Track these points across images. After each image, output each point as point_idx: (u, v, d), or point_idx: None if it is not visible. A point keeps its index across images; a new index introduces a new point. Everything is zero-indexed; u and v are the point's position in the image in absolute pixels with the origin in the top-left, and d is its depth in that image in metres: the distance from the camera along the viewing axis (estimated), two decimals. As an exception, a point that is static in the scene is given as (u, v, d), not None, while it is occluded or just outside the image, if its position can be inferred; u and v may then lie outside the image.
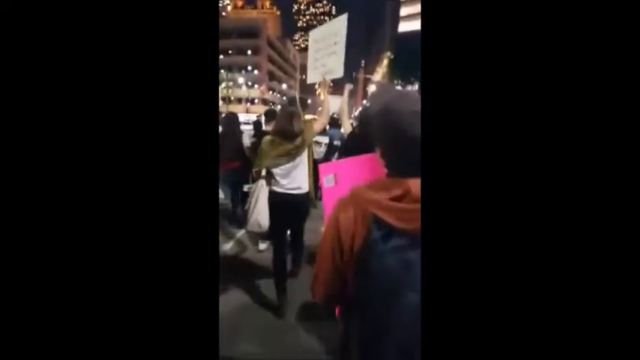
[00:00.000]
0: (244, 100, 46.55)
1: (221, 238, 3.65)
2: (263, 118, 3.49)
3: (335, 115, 4.26)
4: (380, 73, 50.98)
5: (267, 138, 2.23)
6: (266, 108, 3.69)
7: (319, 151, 3.80)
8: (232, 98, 46.90)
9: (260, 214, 2.18)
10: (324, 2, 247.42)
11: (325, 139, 3.96)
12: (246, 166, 3.29)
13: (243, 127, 4.45)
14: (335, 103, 3.32)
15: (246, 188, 3.41)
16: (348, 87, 2.54)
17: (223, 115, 3.78)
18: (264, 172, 2.22)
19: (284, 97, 57.08)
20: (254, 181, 2.33)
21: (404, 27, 46.71)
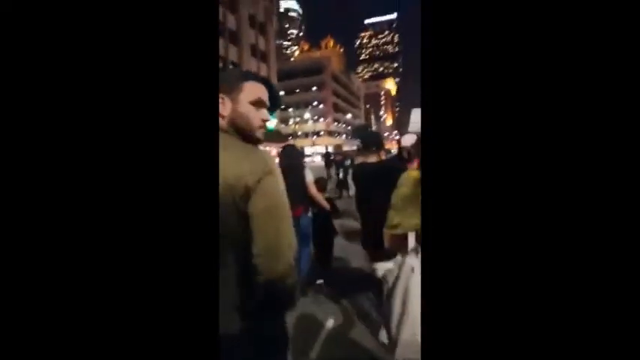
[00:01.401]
0: (310, 134, 47.82)
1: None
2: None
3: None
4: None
5: (413, 174, 1.11)
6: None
7: None
8: (300, 133, 48.79)
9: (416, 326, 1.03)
10: (386, 33, 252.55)
11: None
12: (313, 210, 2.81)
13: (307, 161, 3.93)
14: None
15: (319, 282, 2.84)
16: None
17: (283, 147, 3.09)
18: (411, 242, 1.05)
19: (349, 127, 57.26)
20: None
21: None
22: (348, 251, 3.68)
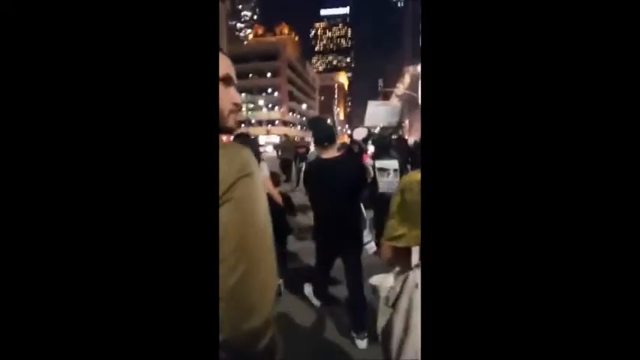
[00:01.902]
0: (265, 122, 46.09)
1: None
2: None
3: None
4: (403, 86, 49.55)
5: (417, 177, 0.95)
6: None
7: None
8: (253, 121, 46.67)
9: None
10: (340, 26, 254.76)
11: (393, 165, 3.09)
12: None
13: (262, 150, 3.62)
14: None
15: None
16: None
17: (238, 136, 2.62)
18: (415, 256, 0.91)
19: (303, 118, 56.57)
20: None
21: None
22: (303, 248, 3.47)
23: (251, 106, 42.90)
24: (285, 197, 2.86)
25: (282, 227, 2.65)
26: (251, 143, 2.58)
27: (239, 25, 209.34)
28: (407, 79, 49.68)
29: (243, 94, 43.17)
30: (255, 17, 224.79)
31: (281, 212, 2.69)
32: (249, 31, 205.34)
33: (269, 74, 47.56)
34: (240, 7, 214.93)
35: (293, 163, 9.95)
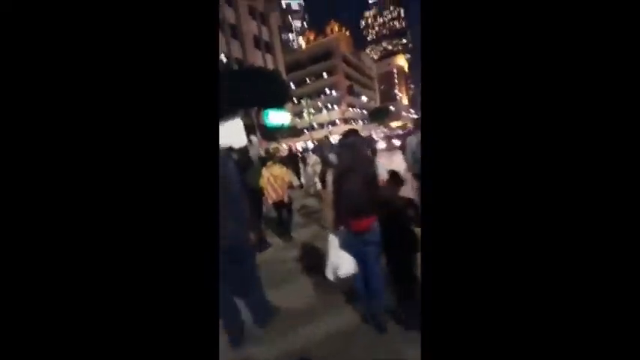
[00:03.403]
0: (326, 124, 45.89)
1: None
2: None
3: None
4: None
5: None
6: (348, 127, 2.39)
7: None
8: (315, 125, 46.96)
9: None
10: (391, 9, 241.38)
11: None
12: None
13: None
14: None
15: None
16: None
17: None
18: None
19: (364, 111, 54.57)
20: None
21: None
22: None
23: (312, 111, 43.25)
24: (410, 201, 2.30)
25: (409, 238, 2.14)
26: (361, 143, 2.11)
27: (291, 36, 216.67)
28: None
29: (302, 100, 43.93)
30: (305, 24, 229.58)
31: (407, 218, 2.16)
32: (301, 39, 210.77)
33: (325, 75, 47.23)
34: (290, 18, 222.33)
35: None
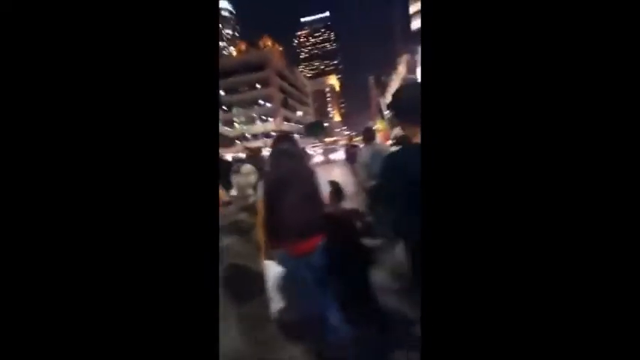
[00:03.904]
0: (261, 135, 43.74)
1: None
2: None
3: None
4: (398, 74, 47.34)
5: None
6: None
7: None
8: (249, 136, 44.46)
9: None
10: (322, 31, 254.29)
11: None
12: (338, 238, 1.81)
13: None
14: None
15: None
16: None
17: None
18: None
19: (300, 125, 54.32)
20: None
21: (417, 24, 42.88)
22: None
23: (243, 119, 40.68)
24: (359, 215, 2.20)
25: (356, 256, 1.94)
26: (296, 150, 1.81)
27: (222, 44, 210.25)
28: (402, 68, 47.54)
29: (234, 109, 41.06)
30: (236, 34, 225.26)
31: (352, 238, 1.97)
32: (232, 48, 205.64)
33: (258, 85, 45.39)
34: (220, 26, 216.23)
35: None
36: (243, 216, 5.45)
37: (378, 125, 4.70)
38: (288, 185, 1.60)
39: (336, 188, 2.02)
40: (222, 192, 3.84)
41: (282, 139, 1.81)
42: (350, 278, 1.97)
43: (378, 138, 3.96)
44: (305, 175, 1.69)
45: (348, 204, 2.32)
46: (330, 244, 1.72)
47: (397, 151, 1.19)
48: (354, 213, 2.11)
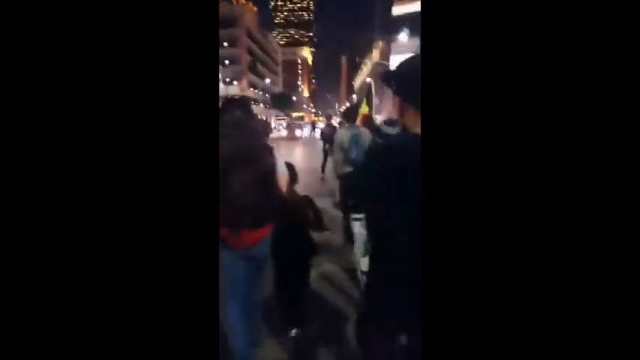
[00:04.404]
0: (221, 99, 40.89)
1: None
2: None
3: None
4: (372, 59, 47.06)
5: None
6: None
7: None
8: (209, 97, 41.08)
9: None
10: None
11: None
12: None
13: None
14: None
15: None
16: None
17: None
18: None
19: (266, 95, 51.86)
20: None
21: (398, 10, 42.31)
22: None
23: (206, 79, 37.51)
24: (312, 205, 1.84)
25: (301, 248, 1.81)
26: (250, 116, 1.49)
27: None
28: (375, 54, 47.16)
29: (195, 66, 37.50)
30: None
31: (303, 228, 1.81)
32: None
33: (226, 44, 41.88)
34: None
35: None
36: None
37: (363, 108, 4.34)
38: (238, 162, 1.30)
39: (291, 171, 1.77)
40: None
41: (233, 103, 1.46)
42: (290, 275, 1.81)
43: (358, 121, 3.55)
44: (259, 152, 1.39)
45: (301, 189, 1.95)
46: (276, 235, 1.54)
47: (392, 138, 1.09)
48: (304, 200, 1.83)
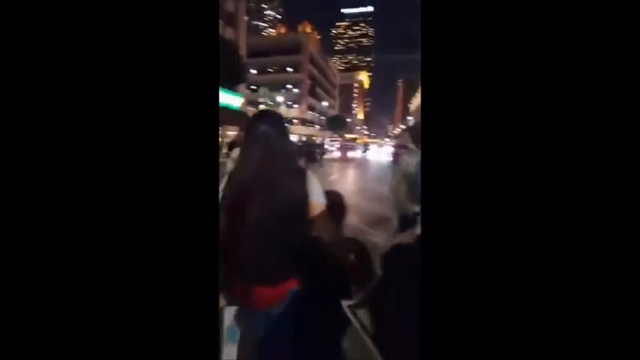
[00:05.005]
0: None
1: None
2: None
3: None
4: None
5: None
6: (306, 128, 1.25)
7: None
8: (271, 118, 43.80)
9: None
10: (361, 25, 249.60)
11: None
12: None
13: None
14: None
15: None
16: None
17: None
18: None
19: (322, 117, 53.49)
20: None
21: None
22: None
23: (270, 103, 40.41)
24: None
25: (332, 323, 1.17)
26: (285, 141, 1.10)
27: (262, 24, 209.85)
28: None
29: (260, 89, 40.79)
30: (278, 17, 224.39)
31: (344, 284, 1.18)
32: (272, 31, 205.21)
33: (290, 69, 44.83)
34: (264, 6, 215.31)
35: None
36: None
37: None
38: (260, 187, 0.97)
39: (336, 202, 1.23)
40: None
41: (263, 115, 1.09)
42: (317, 344, 1.20)
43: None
44: (285, 176, 0.99)
45: (347, 229, 1.38)
46: (304, 291, 1.07)
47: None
48: (354, 247, 1.23)
